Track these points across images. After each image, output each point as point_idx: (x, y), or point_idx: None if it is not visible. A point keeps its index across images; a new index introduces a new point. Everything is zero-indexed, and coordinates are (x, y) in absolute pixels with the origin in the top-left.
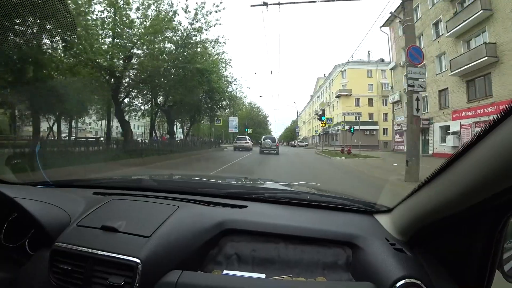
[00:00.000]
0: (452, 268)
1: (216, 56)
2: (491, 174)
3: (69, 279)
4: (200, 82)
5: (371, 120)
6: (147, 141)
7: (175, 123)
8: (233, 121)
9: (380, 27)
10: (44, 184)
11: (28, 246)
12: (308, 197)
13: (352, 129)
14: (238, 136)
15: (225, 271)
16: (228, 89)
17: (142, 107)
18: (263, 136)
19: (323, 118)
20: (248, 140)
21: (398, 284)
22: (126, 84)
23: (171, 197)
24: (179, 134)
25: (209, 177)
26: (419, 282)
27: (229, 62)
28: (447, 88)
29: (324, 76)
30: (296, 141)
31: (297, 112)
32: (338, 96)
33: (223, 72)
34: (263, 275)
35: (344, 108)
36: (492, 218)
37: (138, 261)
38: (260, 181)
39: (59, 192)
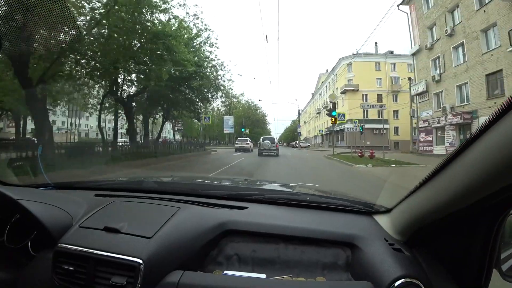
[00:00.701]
0: (450, 267)
1: (188, 23)
2: (488, 173)
3: (72, 279)
4: (152, 50)
5: (380, 118)
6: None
7: (154, 120)
8: (229, 120)
9: (398, 6)
10: (46, 186)
11: (30, 247)
12: (308, 198)
13: (361, 128)
14: (239, 138)
15: (226, 272)
16: (215, 75)
17: (102, 99)
18: (262, 137)
19: (333, 113)
20: (248, 142)
21: (396, 284)
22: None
23: (172, 199)
24: (165, 135)
25: (209, 178)
26: (417, 282)
27: (215, 43)
28: (501, 70)
29: (327, 71)
30: (297, 141)
31: (299, 110)
32: (344, 92)
33: (206, 53)
34: (263, 275)
35: (351, 105)
36: (489, 218)
37: (141, 261)
38: (260, 182)
39: (61, 194)
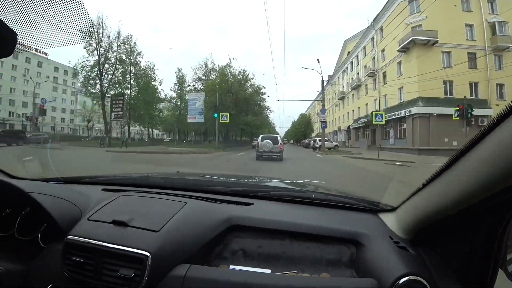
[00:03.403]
0: (455, 267)
1: None
2: (494, 172)
3: (81, 270)
4: None
5: (474, 98)
6: None
7: None
8: (196, 101)
9: None
10: (55, 180)
11: (40, 239)
12: (313, 196)
13: (470, 110)
14: (255, 138)
15: (231, 266)
16: None
17: None
18: (261, 136)
19: None
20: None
21: (400, 281)
22: None
23: (179, 194)
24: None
25: (215, 175)
26: (421, 280)
27: None
28: None
29: (353, 39)
30: (316, 139)
31: (322, 81)
32: (405, 49)
33: None
34: (268, 271)
35: (421, 70)
36: (495, 217)
37: (148, 254)
38: (266, 179)
39: (70, 187)
